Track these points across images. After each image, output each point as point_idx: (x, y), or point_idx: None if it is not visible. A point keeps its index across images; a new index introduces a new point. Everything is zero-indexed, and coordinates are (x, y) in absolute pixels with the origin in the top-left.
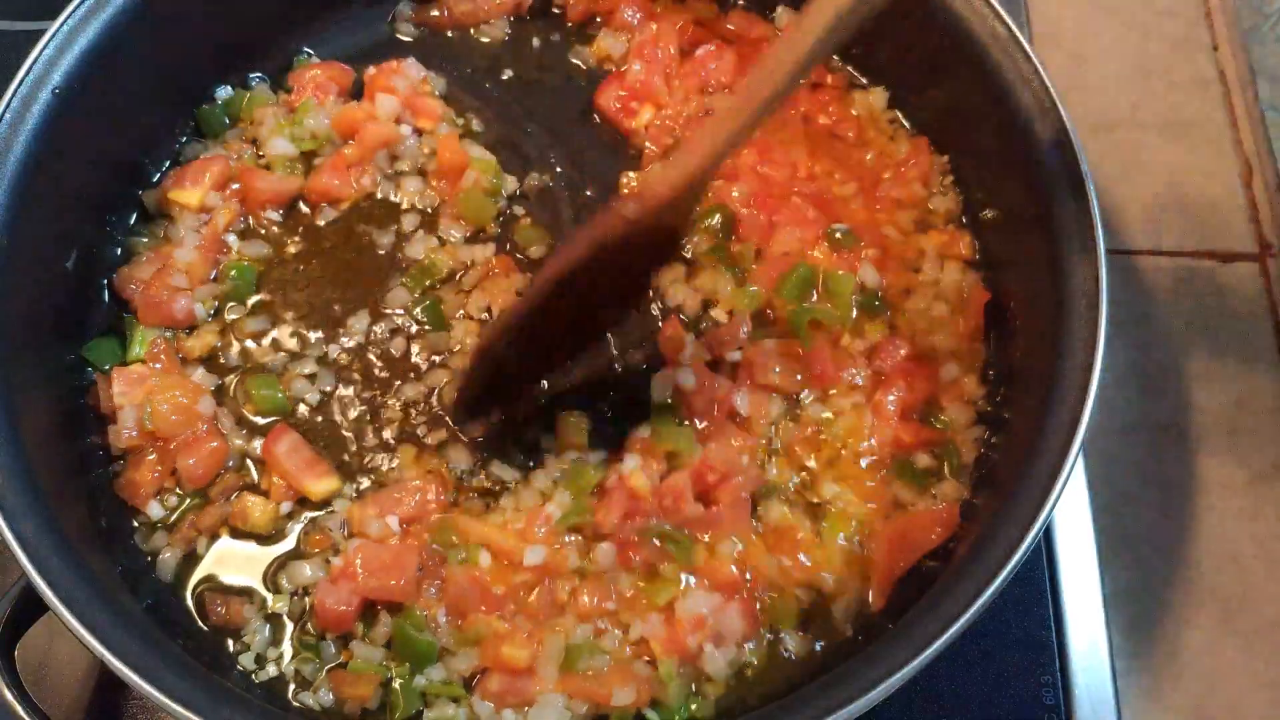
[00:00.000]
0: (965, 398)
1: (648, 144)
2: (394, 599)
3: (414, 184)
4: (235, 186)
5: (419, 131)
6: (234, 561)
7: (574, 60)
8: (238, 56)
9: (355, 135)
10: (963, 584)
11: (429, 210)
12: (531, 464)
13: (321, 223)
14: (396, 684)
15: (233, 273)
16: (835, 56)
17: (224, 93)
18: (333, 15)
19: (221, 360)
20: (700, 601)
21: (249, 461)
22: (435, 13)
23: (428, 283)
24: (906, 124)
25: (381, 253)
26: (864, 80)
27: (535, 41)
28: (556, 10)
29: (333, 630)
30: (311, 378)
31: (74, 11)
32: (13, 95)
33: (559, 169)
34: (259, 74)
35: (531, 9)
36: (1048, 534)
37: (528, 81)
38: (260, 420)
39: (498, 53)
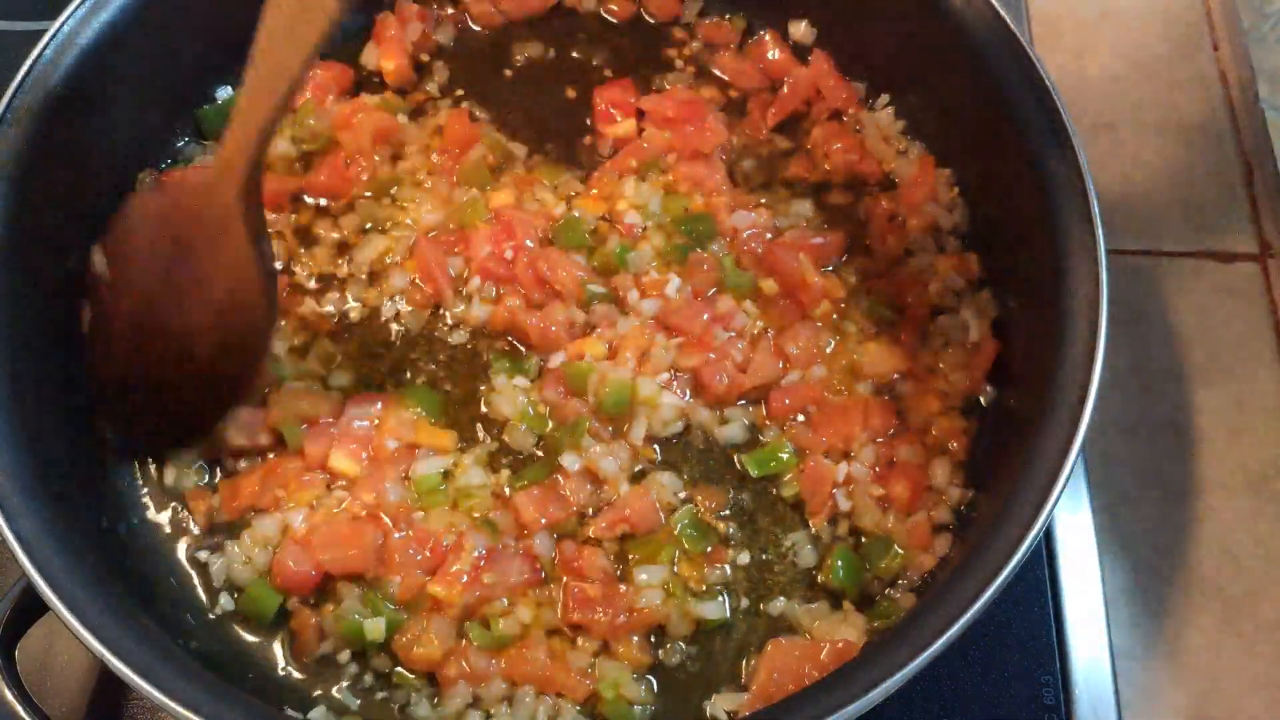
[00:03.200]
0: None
1: (608, 151)
2: (353, 571)
3: (417, 159)
4: None
5: (417, 115)
6: None
7: (575, 55)
8: (238, 57)
9: (351, 126)
10: (963, 584)
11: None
12: None
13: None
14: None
15: None
16: (840, 72)
17: (224, 93)
18: None
19: None
20: None
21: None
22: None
23: None
24: (910, 135)
25: None
26: (864, 83)
27: (539, 42)
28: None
29: (294, 591)
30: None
31: (74, 11)
32: (13, 95)
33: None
34: None
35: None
36: (1048, 534)
37: (529, 79)
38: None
39: (499, 49)
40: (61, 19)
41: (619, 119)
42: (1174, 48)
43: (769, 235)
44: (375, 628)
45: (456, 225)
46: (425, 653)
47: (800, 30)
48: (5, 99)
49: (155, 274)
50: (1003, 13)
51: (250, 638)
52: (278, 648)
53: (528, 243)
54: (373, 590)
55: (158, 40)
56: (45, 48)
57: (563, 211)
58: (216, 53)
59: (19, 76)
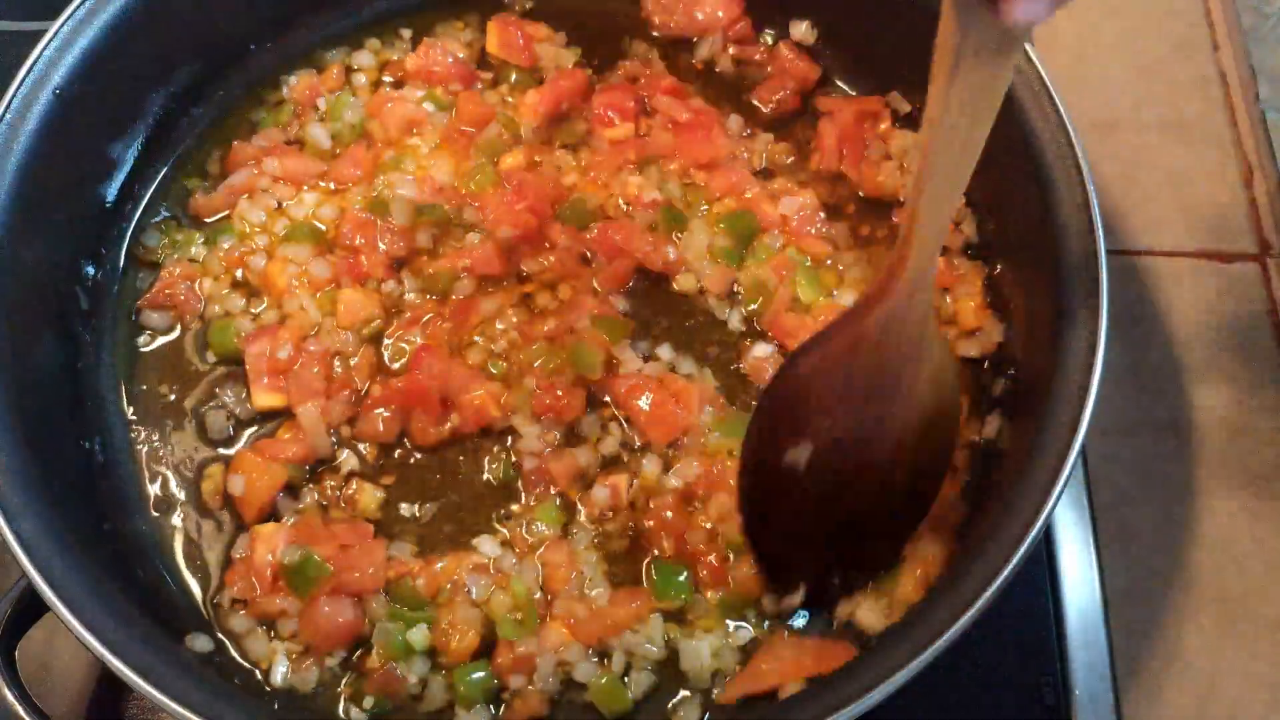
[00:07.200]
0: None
1: (603, 150)
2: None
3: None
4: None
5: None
6: None
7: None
8: (236, 57)
9: (381, 115)
10: (963, 584)
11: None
12: None
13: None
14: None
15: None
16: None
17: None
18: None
19: None
20: None
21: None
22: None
23: None
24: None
25: None
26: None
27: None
28: None
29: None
30: None
31: (74, 12)
32: (13, 95)
33: None
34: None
35: None
36: (1048, 534)
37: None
38: None
39: None
40: (61, 19)
41: (617, 122)
42: (1174, 48)
43: (821, 215)
44: (420, 636)
45: (465, 189)
46: (463, 644)
47: (801, 30)
48: (5, 99)
49: (844, 414)
50: None
51: (248, 642)
52: (281, 651)
53: None
54: (397, 599)
55: (158, 41)
56: (45, 48)
57: (574, 181)
58: (216, 54)
59: (19, 76)
